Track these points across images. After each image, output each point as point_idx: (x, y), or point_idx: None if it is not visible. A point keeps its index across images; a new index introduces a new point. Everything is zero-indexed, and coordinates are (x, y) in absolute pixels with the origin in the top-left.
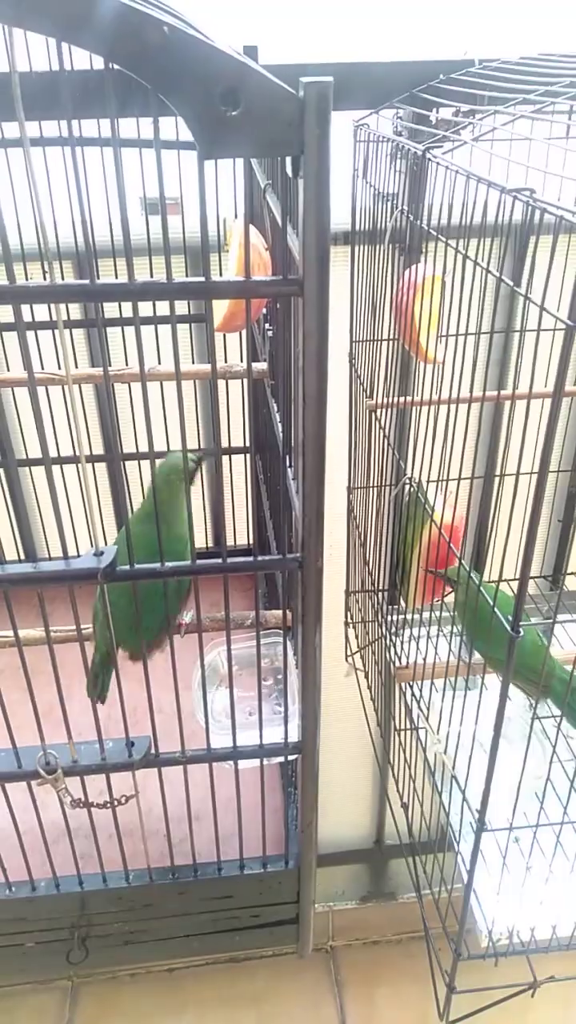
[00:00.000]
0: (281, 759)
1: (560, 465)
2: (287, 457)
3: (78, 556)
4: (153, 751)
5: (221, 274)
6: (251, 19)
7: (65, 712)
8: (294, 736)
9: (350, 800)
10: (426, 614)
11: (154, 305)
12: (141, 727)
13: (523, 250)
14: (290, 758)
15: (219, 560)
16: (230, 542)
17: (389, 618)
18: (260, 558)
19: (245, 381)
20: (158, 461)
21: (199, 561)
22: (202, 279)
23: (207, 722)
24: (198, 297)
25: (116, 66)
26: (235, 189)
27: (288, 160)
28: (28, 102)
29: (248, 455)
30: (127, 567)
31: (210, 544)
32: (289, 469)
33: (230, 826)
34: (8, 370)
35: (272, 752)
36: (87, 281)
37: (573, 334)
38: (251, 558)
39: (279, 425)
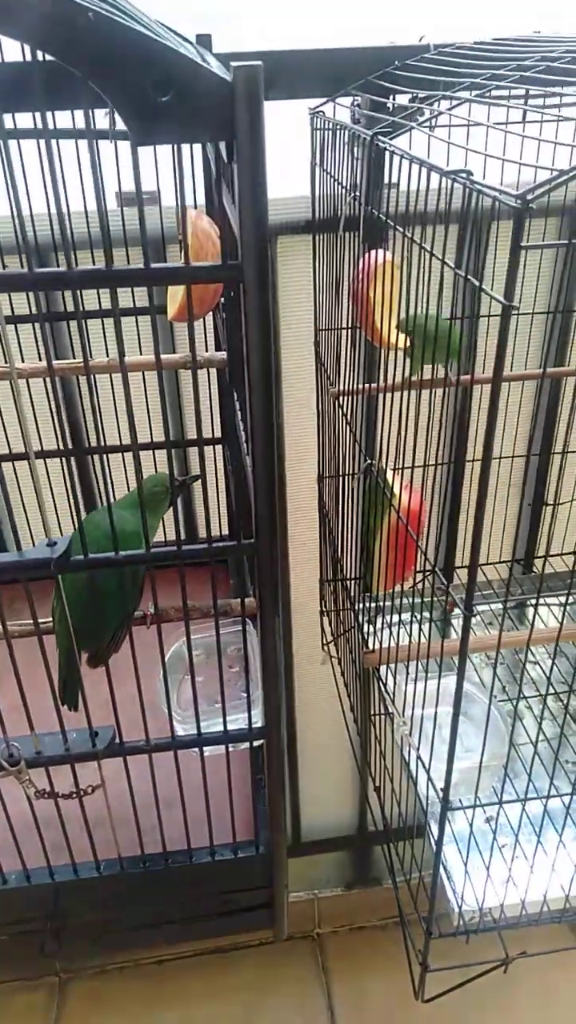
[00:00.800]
0: (246, 745)
1: (530, 449)
2: (246, 443)
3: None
4: (118, 740)
5: (168, 290)
6: (207, 6)
7: (26, 703)
8: (259, 721)
9: (332, 788)
10: (396, 601)
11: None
12: (107, 720)
13: (465, 233)
14: (255, 743)
15: (174, 547)
16: (203, 535)
17: (360, 606)
18: (215, 544)
19: (208, 372)
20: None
21: (153, 549)
22: (142, 266)
23: (170, 710)
24: (140, 284)
25: (46, 56)
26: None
27: (223, 146)
28: None
29: (217, 446)
30: (81, 557)
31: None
32: (247, 455)
33: (200, 815)
34: None
35: (237, 738)
36: (26, 270)
37: (508, 314)
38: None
39: (238, 412)
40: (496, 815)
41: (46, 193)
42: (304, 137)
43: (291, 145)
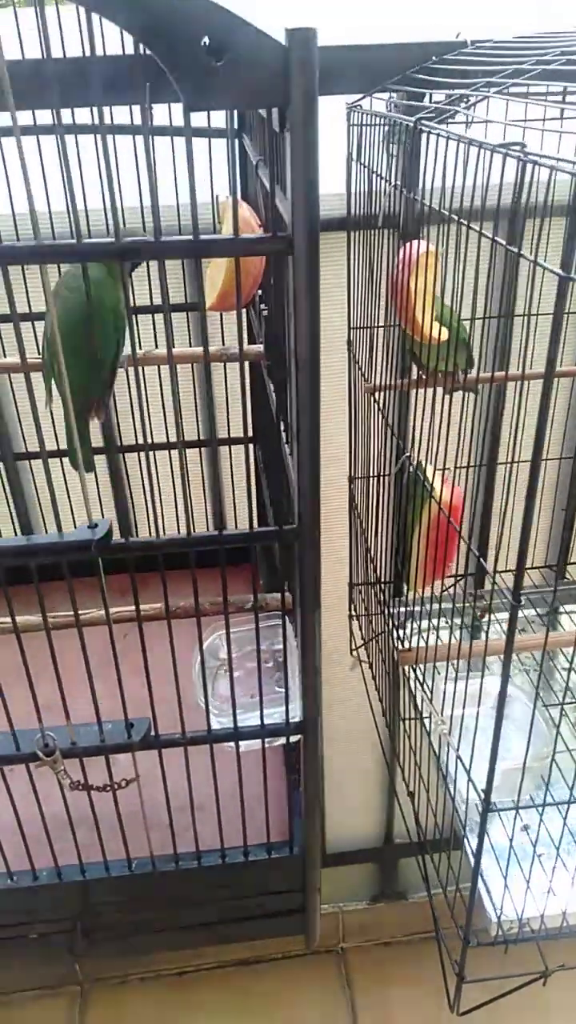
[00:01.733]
0: (283, 740)
1: (563, 452)
2: (281, 425)
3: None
4: (153, 733)
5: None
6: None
7: (63, 693)
8: (296, 715)
9: (358, 798)
10: (428, 606)
11: (150, 294)
12: (141, 714)
13: (517, 210)
14: (292, 739)
15: (216, 533)
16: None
17: (393, 609)
18: (256, 529)
19: (226, 370)
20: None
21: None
22: (191, 237)
23: (207, 703)
24: (188, 255)
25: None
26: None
27: (275, 114)
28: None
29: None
30: (122, 540)
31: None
32: (284, 440)
33: (233, 813)
34: (4, 356)
35: (273, 732)
36: (73, 240)
37: (567, 285)
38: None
39: (275, 403)
40: (538, 825)
41: (100, 181)
42: (335, 136)
43: (323, 144)
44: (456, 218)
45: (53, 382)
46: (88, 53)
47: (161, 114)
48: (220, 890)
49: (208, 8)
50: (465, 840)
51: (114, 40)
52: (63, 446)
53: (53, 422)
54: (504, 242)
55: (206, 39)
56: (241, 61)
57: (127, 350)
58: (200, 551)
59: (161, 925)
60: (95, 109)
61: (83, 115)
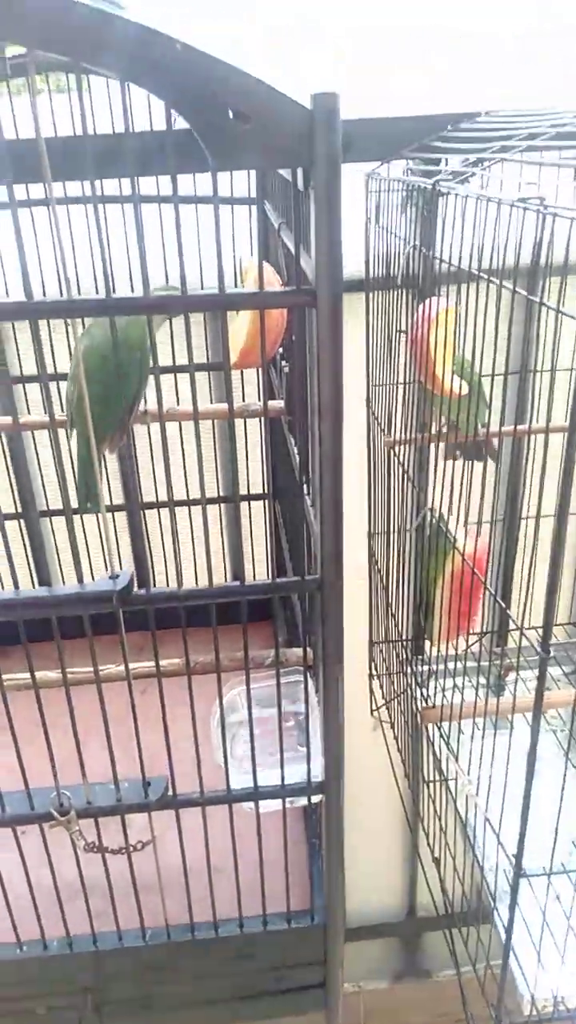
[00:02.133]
0: (304, 801)
1: None
2: (303, 478)
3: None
4: (170, 792)
5: (230, 337)
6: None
7: (80, 750)
8: (317, 775)
9: (379, 867)
10: (449, 664)
11: (173, 354)
12: (159, 772)
13: (538, 263)
14: (313, 800)
15: (238, 584)
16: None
17: (415, 668)
18: (279, 580)
19: (262, 420)
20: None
21: (217, 586)
22: (216, 291)
23: (226, 762)
24: (213, 308)
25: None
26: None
27: (299, 175)
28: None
29: (265, 500)
30: (143, 592)
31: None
32: (306, 493)
33: (252, 879)
34: (29, 413)
35: (294, 792)
36: (103, 296)
37: None
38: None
39: (296, 457)
40: (574, 894)
41: (127, 244)
42: (352, 203)
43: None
44: (477, 272)
45: (73, 414)
46: (122, 127)
47: (185, 185)
48: (237, 962)
49: (236, 75)
50: (495, 911)
51: (142, 116)
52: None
53: (75, 478)
54: (525, 292)
55: (234, 107)
56: (267, 124)
57: (152, 404)
58: (219, 608)
59: (175, 1000)
60: (128, 180)
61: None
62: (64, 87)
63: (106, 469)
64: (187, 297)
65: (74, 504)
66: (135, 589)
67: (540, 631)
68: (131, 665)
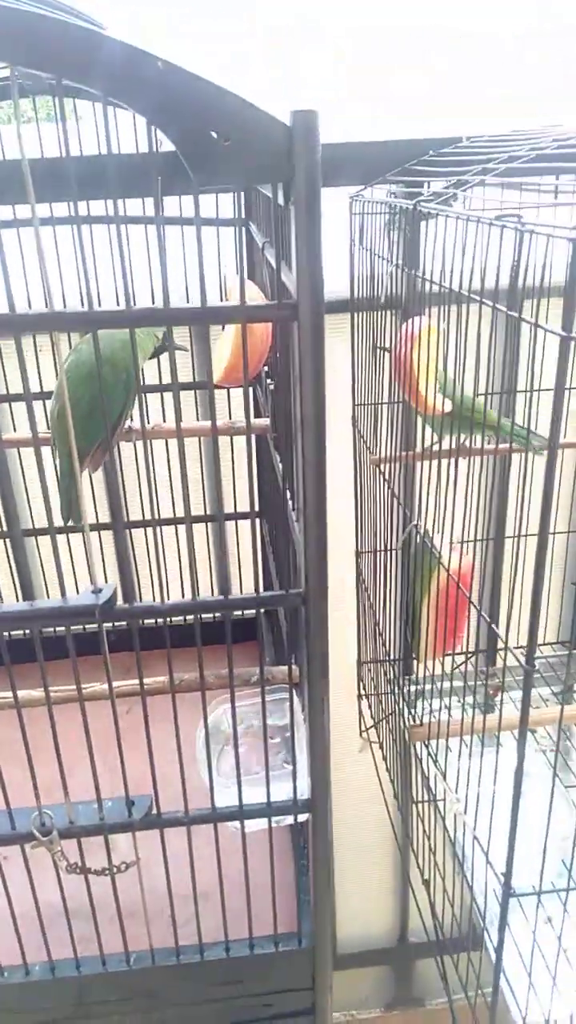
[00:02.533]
0: (291, 819)
1: (570, 526)
2: (287, 492)
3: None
4: (154, 811)
5: (215, 355)
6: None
7: (62, 770)
8: (303, 793)
9: (369, 892)
10: (438, 684)
11: (159, 372)
12: (143, 791)
13: (516, 280)
14: (300, 818)
15: (222, 598)
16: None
17: (404, 688)
18: (263, 594)
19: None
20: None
21: (200, 600)
22: (199, 305)
23: (211, 781)
24: (197, 321)
25: (115, 102)
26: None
27: (280, 190)
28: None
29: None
30: (127, 606)
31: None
32: (290, 507)
33: (238, 901)
34: (15, 431)
35: (280, 811)
36: (85, 309)
37: (569, 344)
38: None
39: (281, 473)
40: (563, 915)
41: (112, 261)
42: (336, 227)
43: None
44: (458, 290)
45: (60, 430)
46: (105, 149)
47: (171, 207)
48: (224, 988)
49: (217, 93)
50: (485, 934)
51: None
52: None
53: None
54: (505, 308)
55: (215, 124)
56: (248, 141)
57: (136, 421)
58: (204, 628)
59: None
60: (112, 202)
61: (75, 207)
62: (53, 116)
63: (92, 487)
64: (170, 310)
65: (58, 521)
66: (118, 603)
67: (525, 647)
68: (115, 683)
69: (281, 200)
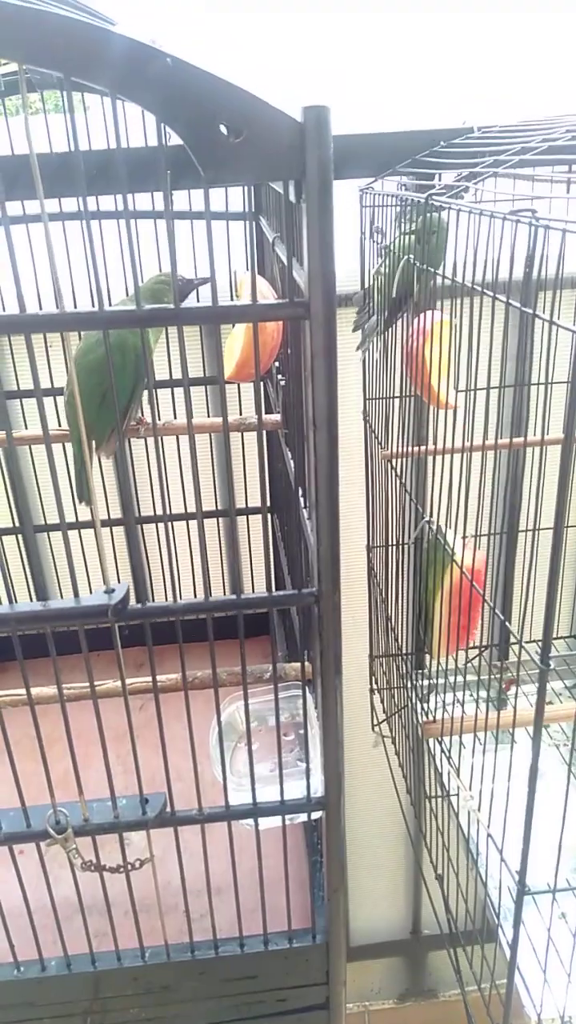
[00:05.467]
0: (304, 817)
1: None
2: (300, 490)
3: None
4: (168, 809)
5: (225, 350)
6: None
7: (76, 767)
8: (317, 791)
9: (383, 885)
10: (450, 679)
11: (169, 367)
12: (157, 789)
13: (530, 275)
14: (314, 816)
15: (234, 597)
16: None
17: (416, 681)
18: (276, 593)
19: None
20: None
21: (212, 599)
22: (210, 304)
23: (224, 778)
24: (207, 321)
25: (122, 98)
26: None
27: (291, 187)
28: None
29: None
30: (139, 606)
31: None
32: (303, 505)
33: (252, 898)
34: (26, 428)
35: (294, 808)
36: (95, 308)
37: None
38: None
39: (292, 469)
40: None
41: (122, 259)
42: (347, 220)
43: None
44: (471, 285)
45: (72, 416)
46: (114, 144)
47: (180, 200)
48: (238, 983)
49: (227, 89)
50: (499, 929)
51: (136, 132)
52: (83, 517)
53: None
54: (519, 304)
55: (225, 120)
56: (259, 137)
57: (148, 416)
58: (217, 623)
59: (176, 1022)
60: (121, 196)
61: (84, 202)
62: (61, 107)
63: (104, 485)
64: (180, 310)
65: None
66: (131, 603)
67: (540, 644)
68: (128, 680)
69: (292, 197)
